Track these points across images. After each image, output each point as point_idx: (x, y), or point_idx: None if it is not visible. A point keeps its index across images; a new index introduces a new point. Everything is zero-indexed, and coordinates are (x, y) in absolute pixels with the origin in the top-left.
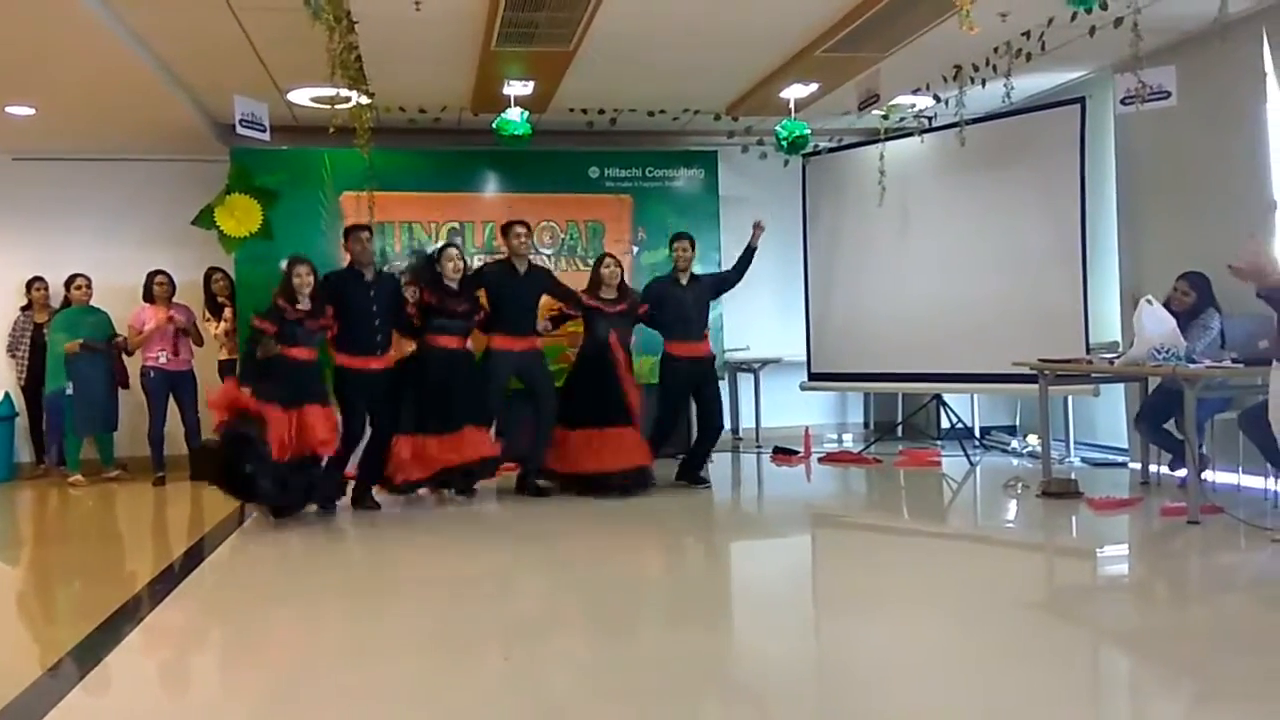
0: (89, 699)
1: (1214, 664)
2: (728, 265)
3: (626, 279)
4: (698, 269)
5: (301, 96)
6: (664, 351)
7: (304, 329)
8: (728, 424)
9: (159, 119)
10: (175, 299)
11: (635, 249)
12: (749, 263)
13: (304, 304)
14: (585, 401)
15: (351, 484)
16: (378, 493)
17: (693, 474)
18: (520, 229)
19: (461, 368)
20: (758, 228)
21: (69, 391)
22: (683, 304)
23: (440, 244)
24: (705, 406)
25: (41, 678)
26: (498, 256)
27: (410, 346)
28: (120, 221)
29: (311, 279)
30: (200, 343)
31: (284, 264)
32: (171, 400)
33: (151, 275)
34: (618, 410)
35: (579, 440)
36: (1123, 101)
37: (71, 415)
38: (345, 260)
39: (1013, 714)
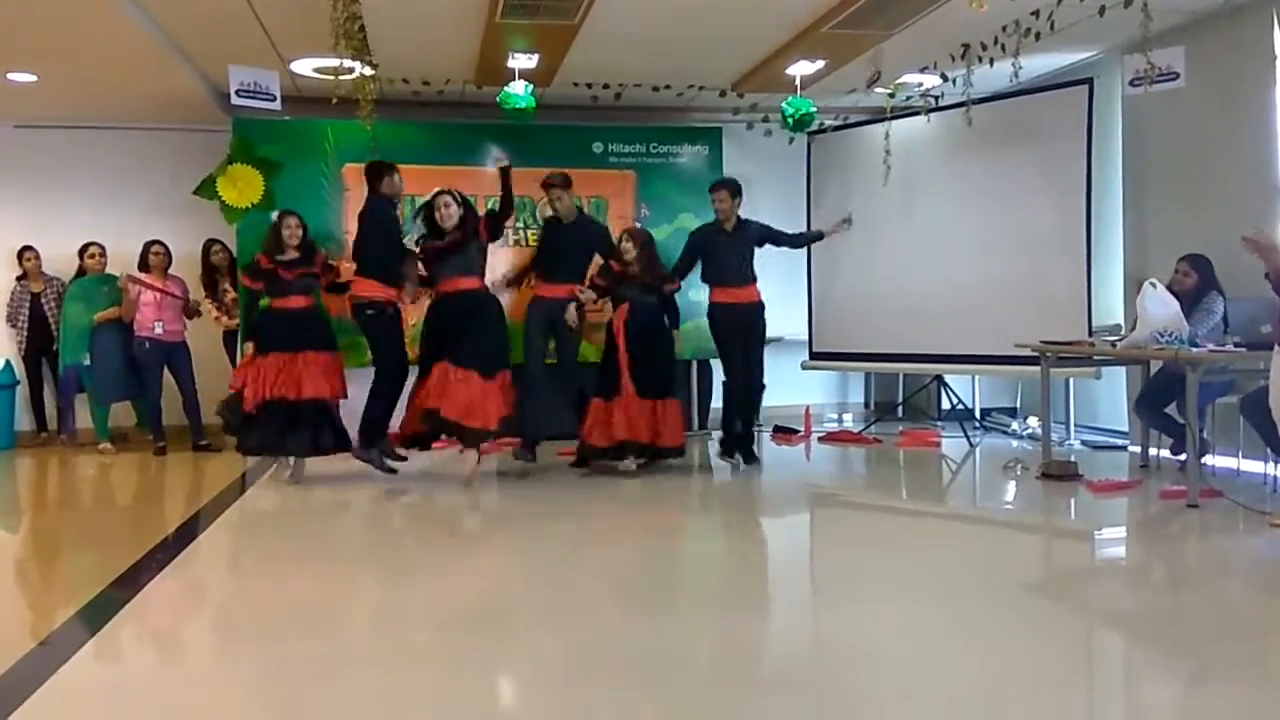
0: (88, 667)
1: (1209, 646)
2: None
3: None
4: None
5: (305, 67)
6: (709, 302)
7: (285, 280)
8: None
9: (161, 88)
10: (174, 270)
11: (638, 225)
12: (809, 241)
13: (289, 255)
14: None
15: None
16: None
17: (745, 449)
18: (554, 191)
19: (474, 308)
20: (845, 224)
21: (86, 362)
22: (722, 250)
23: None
24: (744, 360)
25: (34, 650)
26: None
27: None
28: (121, 190)
29: (301, 231)
30: (192, 316)
31: (274, 216)
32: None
33: (148, 245)
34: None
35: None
36: (1131, 83)
37: (91, 385)
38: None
39: (1009, 694)
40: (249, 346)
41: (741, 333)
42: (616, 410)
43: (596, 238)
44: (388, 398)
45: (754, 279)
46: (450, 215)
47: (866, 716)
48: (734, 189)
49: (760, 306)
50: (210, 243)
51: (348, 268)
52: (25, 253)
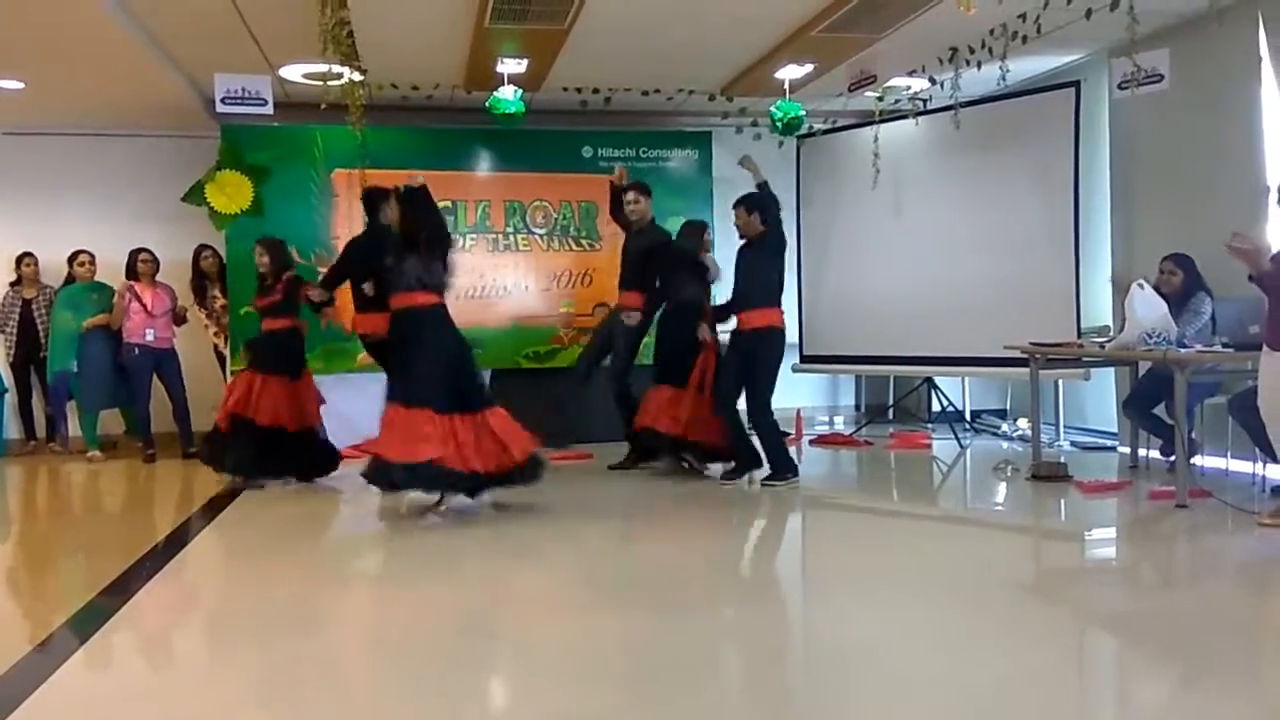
0: (79, 674)
1: (1198, 646)
2: (721, 247)
3: (619, 260)
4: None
5: (294, 73)
6: None
7: (257, 308)
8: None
9: (150, 94)
10: (164, 277)
11: None
12: (766, 193)
13: (268, 282)
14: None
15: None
16: None
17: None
18: (630, 194)
19: (421, 330)
20: (747, 164)
21: (74, 370)
22: (737, 270)
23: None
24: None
25: (29, 654)
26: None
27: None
28: (111, 197)
29: (266, 258)
30: (180, 323)
31: None
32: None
33: (135, 253)
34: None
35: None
36: (1120, 86)
37: (79, 393)
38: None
39: (999, 694)
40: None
41: (732, 356)
42: (694, 404)
43: (656, 245)
44: None
45: (757, 302)
46: (389, 217)
47: (858, 716)
48: (749, 204)
49: (748, 333)
50: (201, 248)
51: (316, 292)
52: (24, 259)
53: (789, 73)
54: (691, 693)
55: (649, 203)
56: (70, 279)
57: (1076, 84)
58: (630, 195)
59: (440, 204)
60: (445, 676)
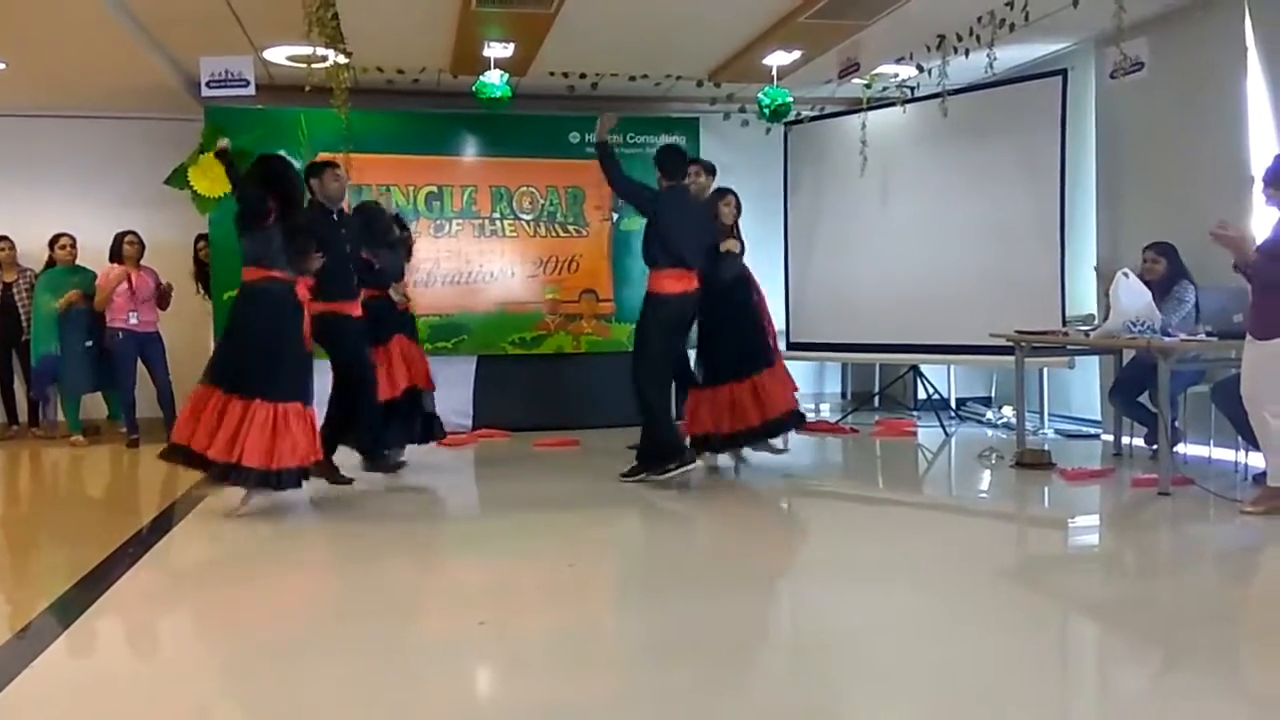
0: (61, 661)
1: (1180, 633)
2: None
3: (605, 246)
4: None
5: (278, 55)
6: None
7: None
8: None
9: (133, 76)
10: (147, 260)
11: (615, 216)
12: (601, 158)
13: None
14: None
15: None
16: None
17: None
18: (695, 165)
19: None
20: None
21: (58, 352)
22: None
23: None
24: None
25: (10, 641)
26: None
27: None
28: (93, 180)
29: None
30: (165, 306)
31: None
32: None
33: (120, 236)
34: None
35: (725, 398)
36: (1111, 75)
37: (63, 376)
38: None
39: (982, 681)
40: None
41: None
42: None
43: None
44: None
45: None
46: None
47: (844, 702)
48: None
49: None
50: (199, 239)
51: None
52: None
53: (777, 59)
54: (677, 681)
55: (711, 179)
56: (51, 262)
57: (1064, 72)
58: (695, 168)
59: (426, 188)
60: (433, 662)
